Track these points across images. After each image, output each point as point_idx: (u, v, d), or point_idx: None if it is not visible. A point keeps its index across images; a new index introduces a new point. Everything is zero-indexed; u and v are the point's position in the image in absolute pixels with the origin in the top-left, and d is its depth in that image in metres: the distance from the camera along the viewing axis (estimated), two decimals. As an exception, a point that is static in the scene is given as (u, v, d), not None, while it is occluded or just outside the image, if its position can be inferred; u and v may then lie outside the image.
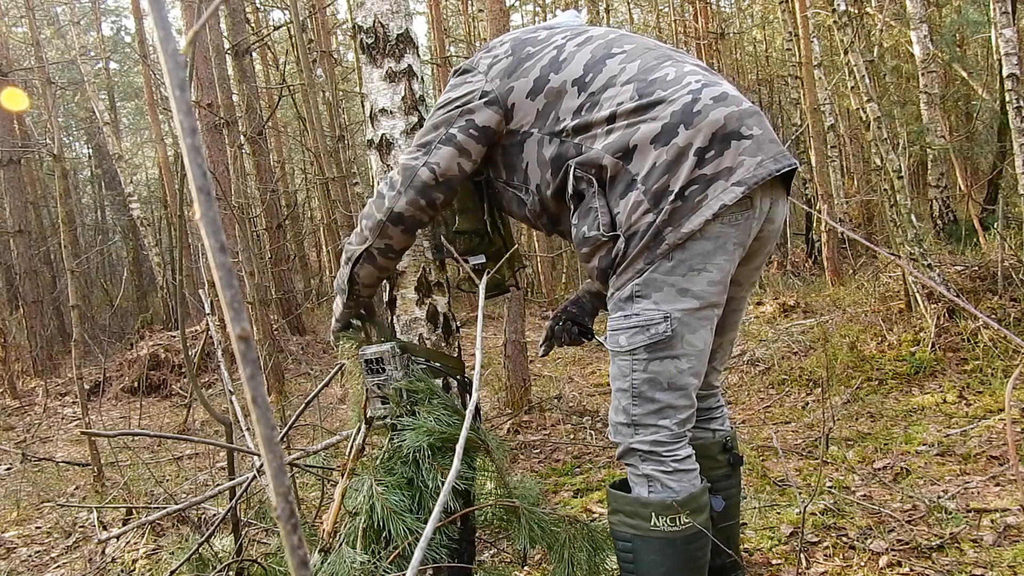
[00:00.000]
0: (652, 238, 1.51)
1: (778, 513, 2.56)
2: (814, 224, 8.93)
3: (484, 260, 1.94)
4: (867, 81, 4.35)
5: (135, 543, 3.01)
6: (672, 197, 1.49)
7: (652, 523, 1.58)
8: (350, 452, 1.96)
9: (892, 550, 2.17)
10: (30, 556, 3.26)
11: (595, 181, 1.57)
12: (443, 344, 1.98)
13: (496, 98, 1.67)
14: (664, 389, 1.58)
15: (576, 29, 1.78)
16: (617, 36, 1.73)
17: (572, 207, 1.64)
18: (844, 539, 2.28)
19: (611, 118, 1.56)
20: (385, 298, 2.02)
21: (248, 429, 2.27)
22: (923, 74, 7.69)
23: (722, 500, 1.82)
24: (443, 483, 1.72)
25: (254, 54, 10.02)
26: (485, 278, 1.90)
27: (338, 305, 1.93)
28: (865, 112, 4.40)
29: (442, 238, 1.96)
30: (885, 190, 4.54)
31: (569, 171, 1.61)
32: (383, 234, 1.73)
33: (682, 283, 1.53)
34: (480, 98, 1.67)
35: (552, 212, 1.72)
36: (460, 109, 1.68)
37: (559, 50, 1.69)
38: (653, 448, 1.60)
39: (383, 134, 1.96)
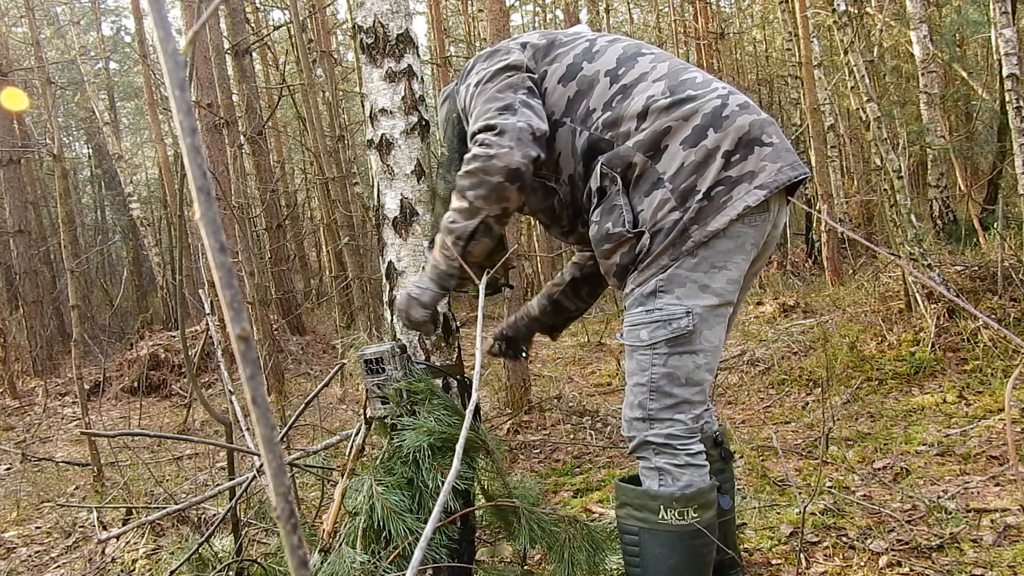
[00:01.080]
0: (678, 235, 1.55)
1: (778, 513, 2.56)
2: (814, 224, 8.93)
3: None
4: (867, 81, 4.35)
5: (135, 543, 3.01)
6: (699, 196, 1.54)
7: (660, 516, 1.60)
8: (350, 452, 1.96)
9: (892, 550, 2.17)
10: (30, 556, 3.26)
11: (619, 179, 1.60)
12: (443, 344, 1.98)
13: (535, 75, 1.70)
14: (682, 384, 1.61)
15: (603, 34, 1.82)
16: (642, 42, 1.80)
17: (594, 202, 1.66)
18: (844, 539, 2.28)
19: (644, 113, 1.59)
20: (385, 298, 2.02)
21: (248, 429, 2.27)
22: (923, 74, 7.69)
23: (730, 499, 1.83)
24: (443, 483, 1.72)
25: (254, 54, 10.01)
26: (485, 277, 1.91)
27: (427, 290, 1.74)
28: (865, 112, 4.40)
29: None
30: (885, 190, 4.54)
31: (596, 166, 1.63)
32: (501, 197, 1.62)
33: (704, 280, 1.57)
34: (525, 71, 1.69)
35: (579, 205, 1.74)
36: (517, 75, 1.66)
37: (591, 43, 1.74)
38: (668, 441, 1.62)
39: (383, 134, 1.96)
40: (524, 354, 2.20)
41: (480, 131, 1.63)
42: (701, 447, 1.66)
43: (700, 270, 1.56)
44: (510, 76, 1.67)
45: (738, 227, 1.56)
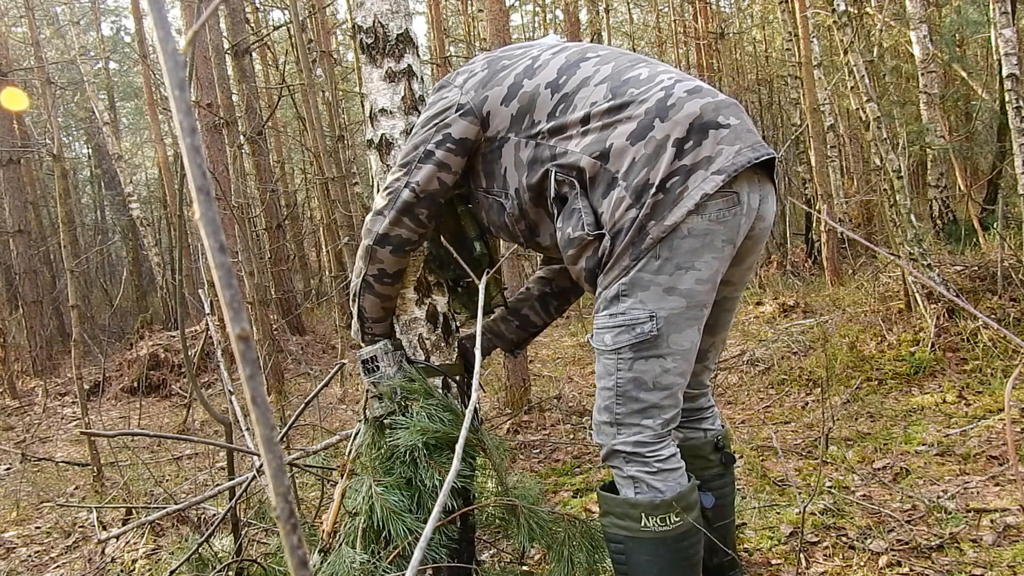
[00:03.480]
0: (636, 233, 1.51)
1: (778, 513, 2.56)
2: (814, 224, 8.93)
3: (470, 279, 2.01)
4: (867, 81, 4.35)
5: (135, 543, 3.01)
6: (653, 190, 1.49)
7: (642, 524, 1.59)
8: (349, 452, 1.96)
9: (892, 550, 2.17)
10: (30, 556, 3.26)
11: (576, 183, 1.57)
12: (443, 344, 1.98)
13: (471, 109, 1.70)
14: (649, 389, 1.58)
15: (554, 45, 1.79)
16: (592, 46, 1.76)
17: (556, 211, 1.63)
18: (844, 539, 2.28)
19: (585, 119, 1.57)
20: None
21: (248, 429, 2.27)
22: (923, 74, 7.69)
23: (712, 496, 1.82)
24: (441, 483, 1.72)
25: (254, 54, 10.02)
26: (485, 278, 1.91)
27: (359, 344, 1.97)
28: (865, 112, 4.40)
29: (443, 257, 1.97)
30: (885, 190, 4.54)
31: (550, 174, 1.61)
32: (373, 259, 1.78)
33: (669, 282, 1.52)
34: (456, 111, 1.70)
35: (531, 218, 1.72)
36: (438, 125, 1.71)
37: (534, 59, 1.72)
38: (636, 449, 1.60)
39: (383, 134, 1.96)
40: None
41: (382, 188, 1.80)
42: (673, 450, 1.63)
43: (665, 272, 1.51)
44: (431, 128, 1.72)
45: (704, 224, 1.49)
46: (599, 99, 1.57)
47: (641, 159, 1.50)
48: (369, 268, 1.80)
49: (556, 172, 1.59)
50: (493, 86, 1.70)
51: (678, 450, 1.66)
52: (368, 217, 1.79)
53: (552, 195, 1.61)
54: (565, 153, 1.58)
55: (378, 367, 1.84)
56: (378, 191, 1.98)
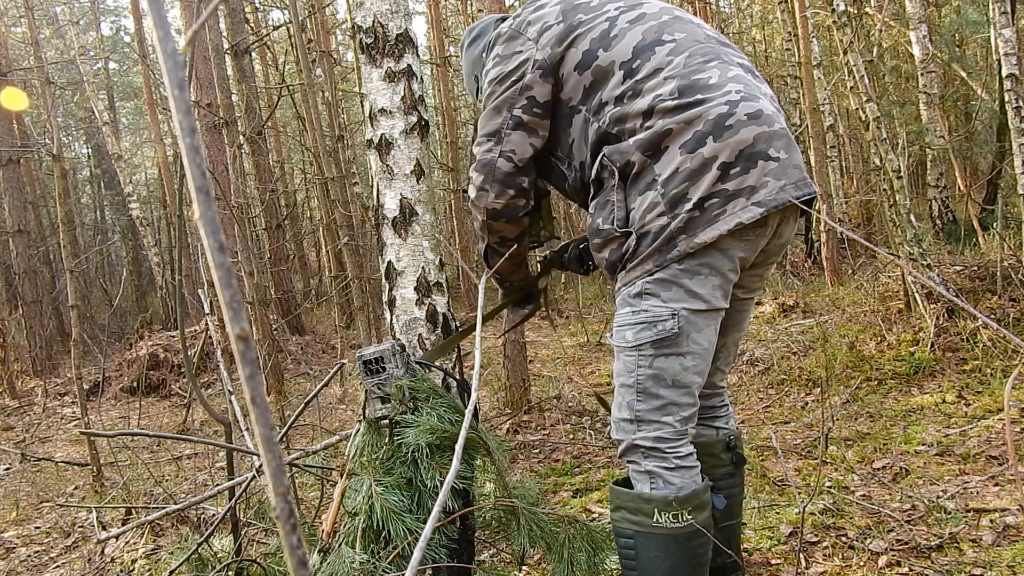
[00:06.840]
0: (665, 242, 1.53)
1: (777, 513, 2.56)
2: (813, 224, 8.93)
3: None
4: (866, 81, 4.35)
5: (134, 543, 3.01)
6: (690, 206, 1.51)
7: (655, 519, 1.59)
8: (349, 452, 1.96)
9: (891, 550, 2.17)
10: (29, 556, 3.26)
11: (617, 173, 1.59)
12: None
13: (549, 68, 1.67)
14: (669, 386, 1.60)
15: (632, 6, 1.72)
16: (670, 19, 1.68)
17: (592, 193, 1.66)
18: (843, 539, 2.28)
19: (648, 113, 1.56)
20: (384, 298, 2.02)
21: (247, 429, 2.27)
22: (922, 74, 7.69)
23: (724, 499, 1.82)
24: (442, 483, 1.72)
25: (253, 54, 10.02)
26: (485, 277, 1.91)
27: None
28: (864, 112, 4.40)
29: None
30: (884, 190, 4.54)
31: (598, 157, 1.63)
32: (492, 230, 1.81)
33: (690, 285, 1.56)
34: (535, 69, 1.67)
35: (588, 191, 1.73)
36: (518, 86, 1.68)
37: (611, 23, 1.67)
38: (656, 444, 1.61)
39: (382, 134, 1.96)
40: (588, 267, 2.05)
41: (472, 158, 1.78)
42: (691, 448, 1.65)
43: (685, 277, 1.55)
44: (511, 88, 1.69)
45: (727, 240, 1.53)
46: (665, 94, 1.56)
47: (684, 171, 1.51)
48: (491, 238, 1.83)
49: (603, 157, 1.61)
50: (569, 46, 1.67)
51: (695, 450, 1.67)
52: (471, 194, 1.78)
53: (592, 176, 1.64)
54: (621, 143, 1.59)
55: (384, 368, 1.84)
56: (376, 190, 1.98)
